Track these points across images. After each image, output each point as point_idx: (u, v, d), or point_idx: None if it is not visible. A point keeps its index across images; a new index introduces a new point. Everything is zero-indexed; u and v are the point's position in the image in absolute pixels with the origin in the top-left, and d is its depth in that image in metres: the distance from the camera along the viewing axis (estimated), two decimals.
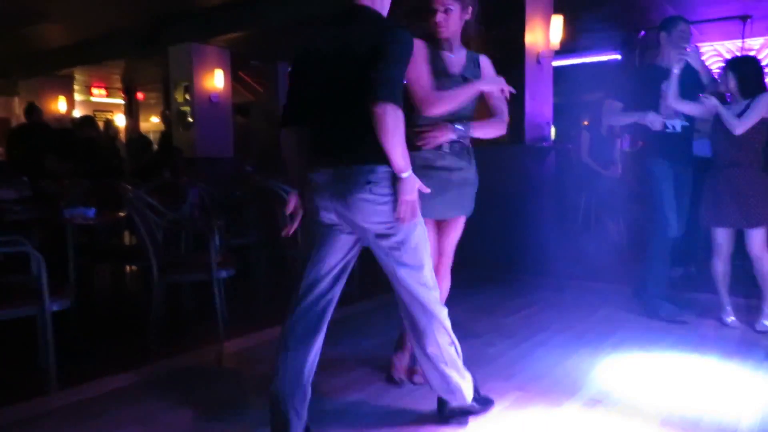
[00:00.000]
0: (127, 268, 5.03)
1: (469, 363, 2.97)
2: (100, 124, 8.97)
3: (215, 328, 3.36)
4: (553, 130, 9.16)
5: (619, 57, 9.01)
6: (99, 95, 12.85)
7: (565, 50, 8.15)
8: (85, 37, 9.02)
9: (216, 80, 8.20)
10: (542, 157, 5.35)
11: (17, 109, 12.79)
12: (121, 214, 3.56)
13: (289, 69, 2.31)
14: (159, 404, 2.60)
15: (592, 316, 3.90)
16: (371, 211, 2.01)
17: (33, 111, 7.53)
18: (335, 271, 2.15)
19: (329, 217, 2.08)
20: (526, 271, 5.06)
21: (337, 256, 2.15)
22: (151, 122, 15.28)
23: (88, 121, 7.27)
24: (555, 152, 5.52)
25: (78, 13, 7.77)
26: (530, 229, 5.21)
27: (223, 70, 8.31)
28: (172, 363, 3.09)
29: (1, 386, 2.78)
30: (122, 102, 13.52)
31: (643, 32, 7.70)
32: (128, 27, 8.30)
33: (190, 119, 8.29)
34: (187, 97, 8.31)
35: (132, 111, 13.06)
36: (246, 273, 4.62)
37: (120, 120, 13.95)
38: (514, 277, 5.03)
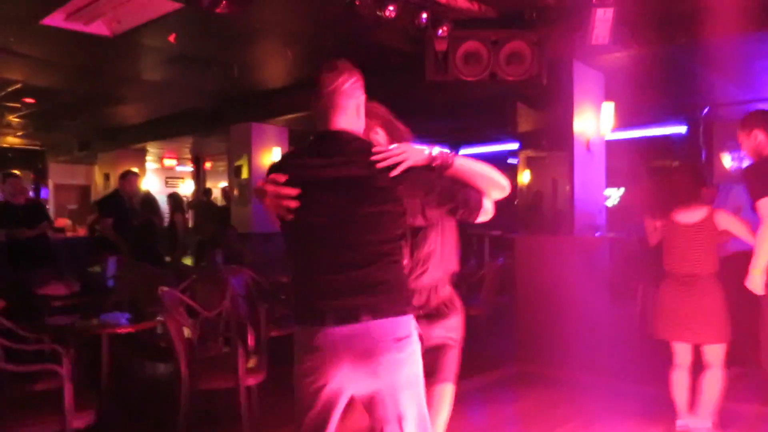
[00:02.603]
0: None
1: None
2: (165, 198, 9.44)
3: None
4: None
5: (684, 130, 8.70)
6: (170, 165, 13.55)
7: (627, 123, 7.98)
8: (156, 116, 9.59)
9: (274, 158, 8.45)
10: (594, 249, 5.12)
11: (97, 176, 13.66)
12: (158, 319, 3.61)
13: None
14: None
15: None
16: None
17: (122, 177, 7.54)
18: None
19: None
20: (576, 368, 4.78)
21: None
22: (219, 188, 15.92)
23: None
24: (609, 242, 5.29)
25: (150, 96, 8.29)
26: (581, 325, 4.97)
27: (281, 147, 8.56)
28: None
29: None
30: (192, 169, 14.18)
31: (707, 108, 7.43)
32: (195, 107, 8.75)
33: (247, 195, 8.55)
34: (245, 176, 8.58)
35: (200, 178, 13.65)
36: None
37: (189, 186, 14.63)
38: (564, 376, 4.75)
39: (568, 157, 5.10)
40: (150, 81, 7.44)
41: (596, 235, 5.18)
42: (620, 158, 9.26)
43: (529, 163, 6.40)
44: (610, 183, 12.40)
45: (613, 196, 13.86)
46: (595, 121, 5.22)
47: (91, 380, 3.38)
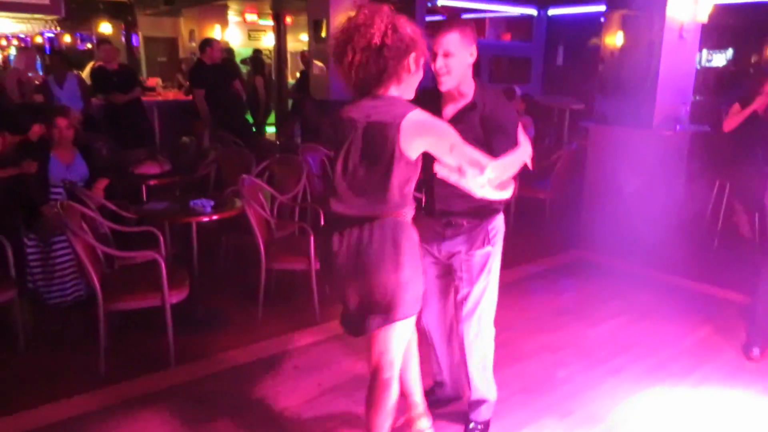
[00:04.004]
0: None
1: (535, 386, 3.12)
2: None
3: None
4: None
5: None
6: (251, 20, 13.58)
7: None
8: None
9: None
10: (671, 144, 4.96)
11: (183, 30, 13.92)
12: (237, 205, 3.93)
13: None
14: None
15: (688, 337, 3.77)
16: None
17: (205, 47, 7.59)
18: None
19: None
20: (636, 261, 4.89)
21: None
22: (300, 41, 15.83)
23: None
24: (689, 136, 5.09)
25: None
26: (648, 218, 4.98)
27: None
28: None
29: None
30: (272, 23, 14.11)
31: None
32: None
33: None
34: (324, 35, 8.52)
35: (280, 33, 13.62)
36: None
37: (270, 39, 14.65)
38: (622, 268, 4.88)
39: (654, 43, 4.78)
40: None
41: (677, 129, 4.98)
42: (729, 20, 8.44)
43: (620, 24, 5.91)
44: (717, 45, 11.41)
45: (716, 60, 12.80)
46: (692, 5, 4.78)
47: (183, 258, 3.85)
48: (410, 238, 2.05)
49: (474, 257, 2.47)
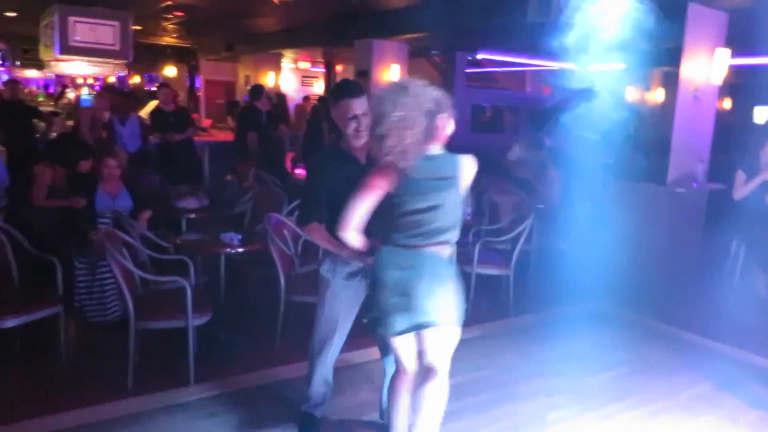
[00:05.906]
0: None
1: (524, 426, 3.28)
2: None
3: None
4: None
5: None
6: (304, 67, 14.37)
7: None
8: (289, 27, 10.22)
9: (392, 75, 8.79)
10: (686, 201, 5.09)
11: (240, 76, 14.79)
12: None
13: None
14: None
15: (686, 390, 3.84)
16: None
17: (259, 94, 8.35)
18: None
19: None
20: (645, 313, 4.97)
21: None
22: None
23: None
24: (704, 194, 5.20)
25: (281, 12, 8.88)
26: (660, 272, 5.09)
27: (400, 65, 8.84)
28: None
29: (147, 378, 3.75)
30: (323, 70, 14.87)
31: None
32: (323, 21, 9.22)
33: None
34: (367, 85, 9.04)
35: (331, 80, 14.31)
36: None
37: (321, 87, 15.40)
38: (632, 320, 4.97)
39: (669, 103, 4.98)
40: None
41: (693, 186, 5.12)
42: None
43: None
44: None
45: None
46: (707, 67, 4.97)
47: (212, 285, 4.22)
48: None
49: None
